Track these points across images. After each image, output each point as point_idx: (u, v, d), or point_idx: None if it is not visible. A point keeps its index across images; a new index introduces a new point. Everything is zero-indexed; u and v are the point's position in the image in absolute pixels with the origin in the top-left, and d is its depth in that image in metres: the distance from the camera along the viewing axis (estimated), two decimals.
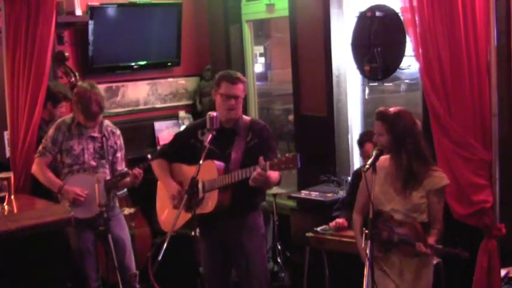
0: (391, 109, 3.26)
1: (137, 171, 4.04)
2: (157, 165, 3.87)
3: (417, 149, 3.20)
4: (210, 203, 3.59)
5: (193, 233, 3.42)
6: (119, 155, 4.25)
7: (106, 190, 4.04)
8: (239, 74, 3.75)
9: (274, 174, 3.48)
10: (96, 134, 4.16)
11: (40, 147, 4.16)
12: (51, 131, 4.15)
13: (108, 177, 4.11)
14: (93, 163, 4.12)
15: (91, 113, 4.04)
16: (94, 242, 4.10)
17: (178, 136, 3.97)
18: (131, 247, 4.33)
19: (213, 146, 3.54)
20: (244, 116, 3.81)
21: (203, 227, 3.75)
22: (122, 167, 4.24)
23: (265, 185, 3.53)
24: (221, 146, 3.65)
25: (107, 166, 4.17)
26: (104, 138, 4.17)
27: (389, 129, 3.19)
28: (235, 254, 3.75)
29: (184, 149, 3.78)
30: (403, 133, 3.18)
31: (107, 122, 4.26)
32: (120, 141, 4.28)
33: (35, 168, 4.14)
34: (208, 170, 3.58)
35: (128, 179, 4.09)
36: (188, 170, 3.70)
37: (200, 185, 3.62)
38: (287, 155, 3.37)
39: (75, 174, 4.08)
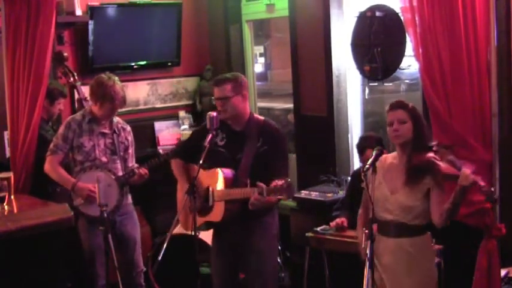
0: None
1: (143, 171, 4.10)
2: (175, 166, 3.86)
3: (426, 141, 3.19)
4: (218, 213, 3.57)
5: (194, 233, 3.43)
6: (130, 151, 4.28)
7: (119, 186, 4.08)
8: (228, 74, 3.65)
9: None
10: (106, 131, 4.17)
11: (51, 145, 4.14)
12: (61, 129, 4.15)
13: (120, 173, 4.14)
14: (104, 159, 4.12)
15: (115, 107, 4.08)
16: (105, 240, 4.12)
17: (192, 136, 3.92)
18: (140, 244, 4.35)
19: (224, 149, 3.54)
20: (257, 116, 3.72)
21: (216, 230, 3.76)
22: (132, 163, 4.27)
23: (265, 207, 3.43)
24: (232, 150, 3.60)
25: (118, 162, 4.18)
26: (114, 135, 4.19)
27: (411, 116, 3.16)
28: (245, 252, 3.69)
29: (196, 150, 3.70)
30: (422, 123, 3.18)
31: (117, 118, 4.28)
32: (131, 137, 4.31)
33: (47, 167, 4.12)
34: (216, 179, 3.56)
35: (135, 177, 4.13)
36: (202, 174, 3.60)
37: (211, 193, 3.60)
38: (280, 183, 3.19)
39: (87, 172, 4.07)
